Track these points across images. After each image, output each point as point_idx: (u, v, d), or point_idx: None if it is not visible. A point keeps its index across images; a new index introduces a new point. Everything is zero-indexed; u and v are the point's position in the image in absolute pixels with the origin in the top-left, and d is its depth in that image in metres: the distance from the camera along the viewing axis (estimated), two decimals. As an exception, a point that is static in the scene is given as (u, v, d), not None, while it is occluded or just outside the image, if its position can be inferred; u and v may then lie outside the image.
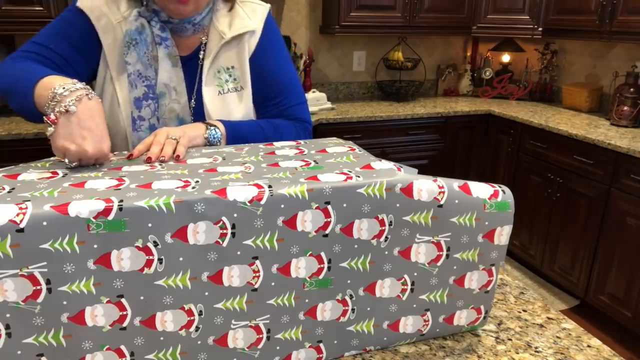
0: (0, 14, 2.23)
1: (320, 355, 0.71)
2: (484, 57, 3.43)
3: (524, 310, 0.85)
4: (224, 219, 0.59)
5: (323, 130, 2.62)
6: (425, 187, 0.67)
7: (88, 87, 0.75)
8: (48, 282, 0.54)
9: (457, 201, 0.69)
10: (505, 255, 3.03)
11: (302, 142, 0.87)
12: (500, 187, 0.73)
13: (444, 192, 0.68)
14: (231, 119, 1.00)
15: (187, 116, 1.00)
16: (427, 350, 0.74)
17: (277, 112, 1.06)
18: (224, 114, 1.00)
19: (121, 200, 0.56)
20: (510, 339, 0.77)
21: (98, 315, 0.58)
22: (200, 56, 1.01)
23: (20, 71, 0.83)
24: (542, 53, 3.21)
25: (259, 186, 0.62)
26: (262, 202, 0.60)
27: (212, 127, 0.91)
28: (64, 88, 0.73)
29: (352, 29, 2.81)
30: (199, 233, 0.59)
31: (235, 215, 0.60)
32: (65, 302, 0.56)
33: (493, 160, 2.99)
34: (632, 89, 2.50)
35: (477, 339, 0.77)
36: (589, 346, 0.76)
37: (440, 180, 0.69)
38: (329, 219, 0.64)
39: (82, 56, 0.96)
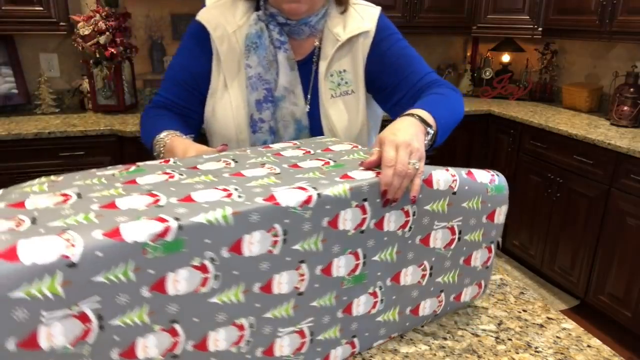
0: (0, 14, 2.23)
1: (354, 350, 0.73)
2: (484, 57, 3.42)
3: (524, 310, 0.85)
4: (277, 225, 0.58)
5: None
6: (442, 177, 0.71)
7: (169, 135, 0.92)
8: (100, 317, 0.49)
9: (467, 187, 0.74)
10: (505, 255, 3.03)
11: (298, 142, 0.85)
12: (494, 172, 0.80)
13: (456, 180, 0.73)
14: (345, 122, 1.02)
15: (304, 119, 1.02)
16: (427, 350, 0.74)
17: (415, 83, 1.01)
18: (337, 117, 1.02)
19: (177, 218, 0.52)
20: (510, 339, 0.77)
21: (150, 347, 0.53)
22: (314, 60, 1.03)
23: (149, 127, 0.99)
24: (542, 53, 3.21)
25: (304, 189, 0.60)
26: (311, 205, 0.60)
27: (429, 127, 0.80)
28: (156, 149, 0.93)
29: (352, 29, 2.80)
30: (253, 244, 0.56)
31: (286, 221, 0.58)
32: (116, 337, 0.50)
33: (493, 160, 2.99)
34: (632, 89, 2.50)
35: (477, 339, 0.77)
36: (589, 346, 0.76)
37: (451, 170, 0.74)
38: (365, 216, 0.65)
39: (199, 94, 1.05)
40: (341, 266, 0.65)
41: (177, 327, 0.54)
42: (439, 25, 3.02)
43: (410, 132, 0.73)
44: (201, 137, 1.03)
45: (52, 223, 0.50)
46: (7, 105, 2.51)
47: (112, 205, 0.55)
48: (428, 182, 0.70)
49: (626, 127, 2.51)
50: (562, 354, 0.74)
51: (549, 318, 0.83)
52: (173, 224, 0.51)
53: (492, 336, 0.78)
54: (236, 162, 0.72)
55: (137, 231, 0.49)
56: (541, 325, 0.81)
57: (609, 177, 2.24)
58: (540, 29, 2.91)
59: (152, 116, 1.02)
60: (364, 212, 0.65)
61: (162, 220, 0.51)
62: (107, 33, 2.36)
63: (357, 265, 0.67)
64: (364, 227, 0.66)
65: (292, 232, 0.59)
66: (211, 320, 0.56)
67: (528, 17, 2.93)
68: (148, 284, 0.50)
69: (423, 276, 0.76)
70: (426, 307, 0.78)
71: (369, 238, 0.67)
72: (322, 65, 1.02)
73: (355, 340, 0.72)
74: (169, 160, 0.72)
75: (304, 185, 0.61)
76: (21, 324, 0.44)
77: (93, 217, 0.51)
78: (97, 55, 2.41)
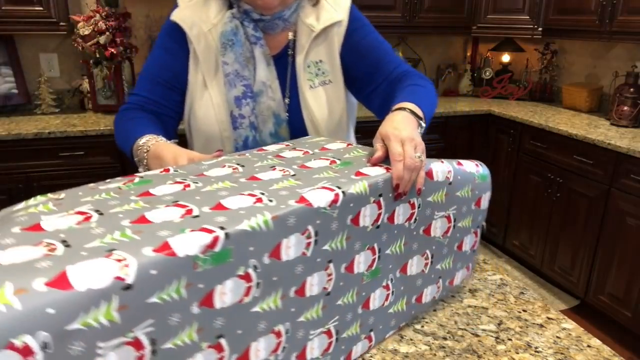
0: (0, 14, 2.23)
1: (371, 344, 0.74)
2: (484, 57, 3.42)
3: (524, 310, 0.85)
4: (310, 227, 0.58)
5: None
6: (440, 168, 0.75)
7: (151, 139, 0.88)
8: (153, 342, 0.45)
9: (459, 177, 0.78)
10: (505, 255, 3.03)
11: (290, 143, 0.85)
12: (477, 162, 0.85)
13: (451, 171, 0.77)
14: (325, 112, 1.04)
15: (282, 112, 1.03)
16: (427, 351, 0.74)
17: (388, 82, 1.04)
18: (317, 107, 1.03)
19: (222, 227, 0.49)
20: (510, 339, 0.77)
21: None
22: (289, 53, 1.04)
23: (124, 132, 0.97)
24: (542, 53, 3.21)
25: (330, 189, 0.61)
26: (338, 204, 0.60)
27: (421, 120, 0.84)
28: (138, 155, 0.89)
29: (352, 29, 2.80)
30: (290, 247, 0.56)
31: (318, 221, 0.58)
32: None
33: (493, 160, 2.99)
34: (632, 89, 2.50)
35: (477, 339, 0.77)
36: (589, 346, 0.76)
37: (445, 161, 0.77)
38: (380, 211, 0.67)
39: (177, 92, 1.04)
40: (361, 262, 0.67)
41: (223, 341, 0.52)
42: (439, 25, 3.02)
43: (410, 127, 0.77)
44: (180, 138, 1.02)
45: (90, 244, 0.46)
46: (7, 105, 2.51)
47: (143, 220, 0.51)
48: (429, 174, 0.73)
49: (626, 127, 2.51)
50: (562, 354, 0.74)
51: (549, 318, 0.83)
52: (220, 234, 0.49)
53: (492, 336, 0.78)
54: (243, 166, 0.70)
55: (187, 244, 0.46)
56: (541, 325, 0.81)
57: (609, 177, 2.24)
58: (540, 29, 2.91)
59: (128, 119, 0.99)
60: (380, 207, 0.67)
61: (208, 230, 0.48)
62: (107, 33, 2.36)
63: (373, 260, 0.69)
64: (379, 222, 0.67)
65: (322, 233, 0.59)
66: (253, 330, 0.55)
67: (528, 17, 2.93)
68: (198, 300, 0.48)
69: (426, 265, 0.79)
70: (428, 294, 0.82)
71: (383, 232, 0.69)
72: (299, 57, 1.03)
73: (372, 334, 0.73)
74: (168, 170, 0.69)
75: (327, 185, 0.62)
76: (77, 359, 0.40)
77: (131, 234, 0.48)
78: (97, 55, 2.41)
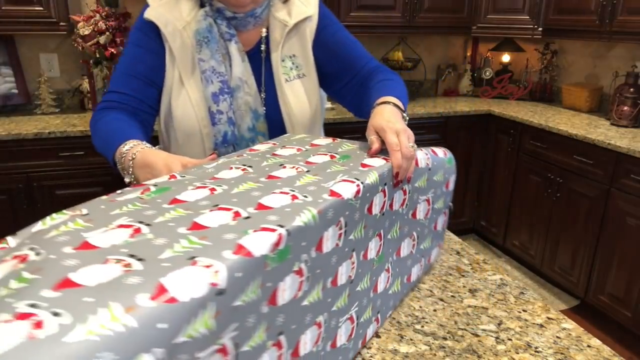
0: (0, 14, 2.23)
1: (378, 325, 0.77)
2: (484, 57, 3.42)
3: (524, 310, 0.85)
4: (341, 219, 0.59)
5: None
6: (422, 156, 0.81)
7: (135, 146, 0.85)
8: (236, 347, 0.44)
9: (435, 163, 0.85)
10: (505, 255, 3.03)
11: (276, 141, 0.86)
12: (443, 148, 0.92)
13: (429, 158, 0.83)
14: (302, 104, 1.06)
15: (259, 107, 1.05)
16: (427, 351, 0.74)
17: (359, 78, 1.09)
18: (294, 100, 1.06)
19: (281, 225, 0.50)
20: (510, 339, 0.77)
21: None
22: (262, 48, 1.06)
23: (104, 136, 0.94)
24: (542, 53, 3.21)
25: (350, 181, 0.64)
26: (360, 194, 0.63)
27: (404, 113, 0.90)
28: (122, 163, 0.86)
29: (352, 28, 2.79)
30: (329, 240, 0.57)
31: (347, 213, 0.61)
32: None
33: (493, 160, 2.99)
34: (632, 89, 2.50)
35: (477, 339, 0.77)
36: (589, 346, 0.76)
37: (423, 149, 0.84)
38: (385, 199, 0.71)
39: (154, 87, 1.03)
40: (372, 248, 0.70)
41: (282, 338, 0.52)
42: (439, 25, 3.02)
43: (399, 119, 0.83)
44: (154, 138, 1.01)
45: (163, 255, 0.44)
46: (7, 105, 2.51)
47: (198, 226, 0.50)
48: (415, 162, 0.79)
49: (626, 127, 2.51)
50: (562, 354, 0.74)
51: (549, 318, 0.83)
52: (282, 231, 0.49)
53: (492, 336, 0.78)
54: (250, 167, 0.70)
55: (259, 244, 0.46)
56: (541, 325, 0.81)
57: (609, 177, 2.24)
58: (540, 29, 2.91)
59: (107, 122, 0.96)
60: (385, 195, 0.70)
61: (271, 229, 0.49)
62: (107, 33, 2.36)
63: (380, 246, 0.72)
64: (384, 210, 0.71)
65: (350, 223, 0.62)
66: (302, 324, 0.55)
67: (528, 17, 2.94)
68: (266, 299, 0.48)
69: (413, 246, 0.85)
70: (414, 273, 0.87)
71: (387, 219, 0.72)
72: (274, 52, 1.05)
73: (379, 315, 0.76)
74: (175, 176, 0.67)
75: (346, 178, 0.65)
76: None
77: (198, 240, 0.46)
78: (97, 55, 2.41)
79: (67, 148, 2.22)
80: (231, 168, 0.70)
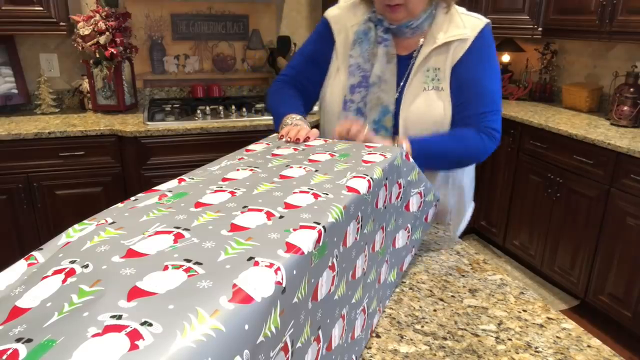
0: (0, 14, 2.23)
1: (380, 314, 0.80)
2: (484, 57, 3.42)
3: (524, 310, 0.85)
4: (359, 213, 0.61)
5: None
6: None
7: (295, 119, 1.10)
8: (292, 344, 0.44)
9: None
10: (505, 255, 3.03)
11: (270, 143, 0.89)
12: None
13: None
14: (431, 113, 1.13)
15: (391, 105, 1.15)
16: (427, 351, 0.74)
17: (465, 115, 1.12)
18: (422, 108, 1.13)
19: (318, 222, 0.51)
20: (510, 339, 0.77)
21: None
22: (414, 55, 1.17)
23: (277, 104, 1.22)
24: (542, 53, 3.21)
25: (361, 177, 0.66)
26: (371, 189, 0.66)
27: (399, 145, 0.99)
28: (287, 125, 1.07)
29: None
30: (350, 234, 0.59)
31: (362, 207, 0.62)
32: None
33: (493, 160, 2.99)
34: (632, 89, 2.50)
35: (477, 339, 0.77)
36: (589, 346, 0.76)
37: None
38: (387, 192, 0.73)
39: (319, 69, 1.26)
40: (378, 241, 0.72)
41: (320, 333, 0.52)
42: (439, 25, 3.02)
43: (376, 138, 1.02)
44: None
45: (220, 258, 0.43)
46: (7, 105, 2.51)
47: (238, 227, 0.50)
48: (407, 156, 0.84)
49: (626, 127, 2.51)
50: (562, 354, 0.74)
51: (549, 318, 0.83)
52: (321, 228, 0.50)
53: (492, 336, 0.78)
54: (257, 167, 0.71)
55: (306, 242, 0.46)
56: (541, 325, 0.81)
57: (609, 177, 2.24)
58: (540, 29, 2.91)
59: (280, 91, 1.26)
60: (386, 189, 0.73)
61: (310, 227, 0.49)
62: (107, 33, 2.36)
63: (383, 238, 0.75)
64: (386, 203, 0.74)
65: (364, 217, 0.64)
66: (334, 317, 0.56)
67: (528, 17, 2.93)
68: (311, 295, 0.48)
69: (408, 237, 0.88)
70: (405, 262, 0.91)
71: (387, 212, 0.75)
72: (418, 61, 1.14)
73: (381, 305, 0.79)
74: (184, 179, 0.67)
75: (356, 174, 0.67)
76: None
77: (244, 241, 0.46)
78: (97, 55, 2.41)
79: (67, 148, 2.22)
80: (238, 170, 0.71)
